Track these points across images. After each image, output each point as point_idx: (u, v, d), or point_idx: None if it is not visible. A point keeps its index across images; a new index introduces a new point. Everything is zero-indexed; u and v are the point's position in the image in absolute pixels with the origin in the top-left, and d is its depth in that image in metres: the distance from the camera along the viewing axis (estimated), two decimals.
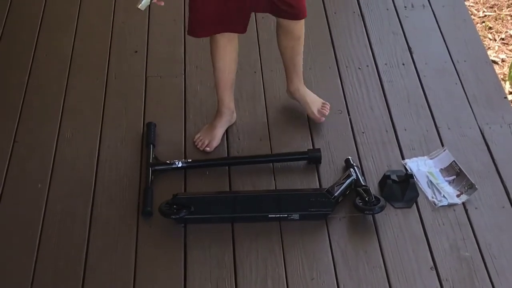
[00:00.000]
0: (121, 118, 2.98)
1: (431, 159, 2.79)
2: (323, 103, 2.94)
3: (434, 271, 2.44)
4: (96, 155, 2.82)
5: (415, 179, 2.68)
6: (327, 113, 2.92)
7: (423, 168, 2.75)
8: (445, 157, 2.78)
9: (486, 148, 2.84)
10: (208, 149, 2.82)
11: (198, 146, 2.83)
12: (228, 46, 2.72)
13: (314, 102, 2.94)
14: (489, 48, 3.83)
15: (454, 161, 2.76)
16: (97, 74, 3.18)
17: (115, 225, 2.59)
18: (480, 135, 2.89)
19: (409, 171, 2.72)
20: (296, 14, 2.68)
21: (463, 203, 2.64)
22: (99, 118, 2.98)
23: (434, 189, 2.68)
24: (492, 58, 3.68)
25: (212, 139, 2.83)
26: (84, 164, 2.80)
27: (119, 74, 3.19)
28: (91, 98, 3.08)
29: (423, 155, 2.80)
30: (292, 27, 2.73)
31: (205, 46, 3.28)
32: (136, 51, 3.30)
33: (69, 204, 2.65)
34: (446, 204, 2.63)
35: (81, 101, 3.07)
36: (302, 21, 2.73)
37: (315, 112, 2.91)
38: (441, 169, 2.75)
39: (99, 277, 2.43)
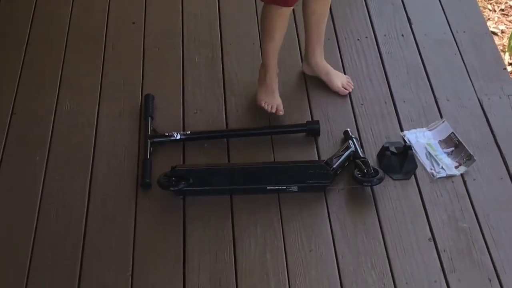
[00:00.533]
0: (119, 90, 2.97)
1: (429, 130, 2.79)
2: (348, 78, 2.94)
3: (432, 242, 2.45)
4: (94, 127, 2.82)
5: (414, 151, 2.68)
6: (351, 90, 2.93)
7: (422, 139, 2.75)
8: (444, 129, 2.78)
9: (485, 119, 2.84)
10: (281, 113, 2.82)
11: (266, 108, 2.83)
12: (287, 18, 2.69)
13: (338, 75, 2.93)
14: (488, 19, 3.81)
15: (452, 132, 2.76)
16: (95, 45, 3.16)
17: (114, 197, 2.59)
18: (479, 106, 2.89)
19: (408, 142, 2.72)
20: None
21: (462, 175, 2.64)
22: (97, 89, 2.96)
23: (433, 160, 2.68)
24: (491, 29, 3.66)
25: (279, 104, 2.83)
26: (82, 136, 2.79)
27: (117, 45, 3.17)
28: (88, 69, 3.06)
29: (422, 127, 2.80)
30: None
31: (203, 18, 3.29)
32: (134, 23, 3.28)
33: (67, 176, 2.65)
34: (445, 175, 2.64)
35: (79, 73, 3.05)
36: None
37: (339, 85, 2.91)
38: (440, 140, 2.75)
39: (98, 248, 2.44)
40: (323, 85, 2.94)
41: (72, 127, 2.83)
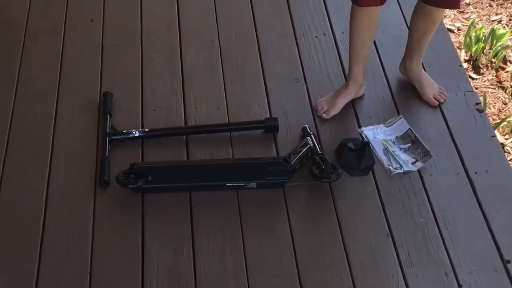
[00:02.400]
0: (77, 88, 2.95)
1: (387, 127, 2.81)
2: (440, 89, 2.92)
3: (390, 238, 2.47)
4: (53, 125, 2.79)
5: (371, 147, 2.71)
6: (442, 101, 2.90)
7: (379, 136, 2.77)
8: (401, 125, 2.81)
9: (441, 116, 2.87)
10: (325, 115, 2.82)
11: (317, 110, 2.84)
12: (373, 22, 2.69)
13: (430, 85, 2.91)
14: (445, 16, 3.86)
15: (409, 128, 2.79)
16: (53, 43, 3.13)
17: (72, 195, 2.57)
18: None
19: (365, 139, 2.74)
20: (453, 3, 2.68)
21: (418, 170, 2.67)
22: (55, 87, 2.94)
23: (390, 156, 2.71)
24: (448, 26, 3.70)
25: (331, 107, 2.82)
26: (40, 134, 2.76)
27: (75, 43, 3.15)
28: (46, 67, 3.03)
29: (379, 123, 2.83)
30: (434, 13, 2.72)
31: (161, 15, 3.28)
32: (92, 20, 3.26)
33: (25, 175, 2.62)
34: (402, 171, 2.66)
35: (37, 70, 3.02)
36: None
37: (431, 95, 2.89)
38: (397, 137, 2.78)
39: (56, 247, 2.42)
40: (279, 81, 2.96)
41: (29, 126, 2.80)
